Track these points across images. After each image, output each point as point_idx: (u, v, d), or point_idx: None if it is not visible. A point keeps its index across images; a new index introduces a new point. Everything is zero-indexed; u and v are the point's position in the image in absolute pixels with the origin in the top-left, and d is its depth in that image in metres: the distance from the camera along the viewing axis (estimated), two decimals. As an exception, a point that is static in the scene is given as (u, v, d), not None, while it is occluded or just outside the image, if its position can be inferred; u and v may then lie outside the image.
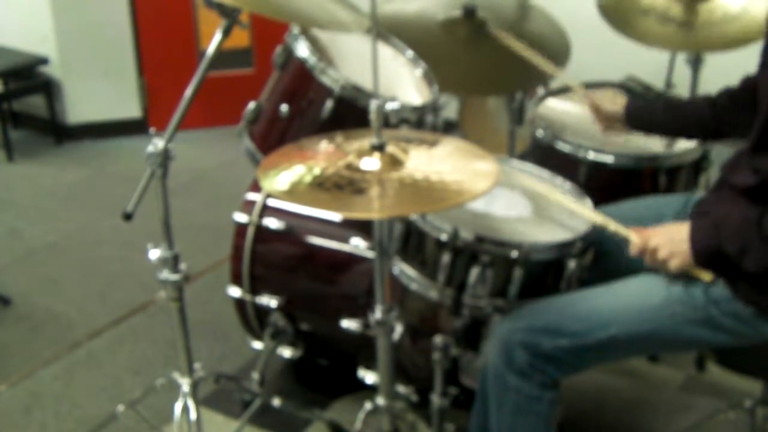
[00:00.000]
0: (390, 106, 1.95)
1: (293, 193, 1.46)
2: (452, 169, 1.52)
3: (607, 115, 2.14)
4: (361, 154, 1.51)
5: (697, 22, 2.48)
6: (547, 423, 1.70)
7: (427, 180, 1.46)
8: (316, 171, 1.49)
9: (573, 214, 1.86)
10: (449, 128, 3.33)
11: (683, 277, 1.61)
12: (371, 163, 1.49)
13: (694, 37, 2.49)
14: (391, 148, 1.52)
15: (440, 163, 1.54)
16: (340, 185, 1.44)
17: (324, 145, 1.61)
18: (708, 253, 1.57)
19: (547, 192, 1.85)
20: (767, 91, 1.61)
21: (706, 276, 1.59)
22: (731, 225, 1.55)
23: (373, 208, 1.42)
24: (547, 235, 1.79)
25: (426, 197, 1.44)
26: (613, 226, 1.72)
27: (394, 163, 1.50)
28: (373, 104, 1.49)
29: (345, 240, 2.16)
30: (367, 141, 1.52)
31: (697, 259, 1.58)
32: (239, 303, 2.35)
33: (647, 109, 2.11)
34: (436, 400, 1.88)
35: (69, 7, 4.14)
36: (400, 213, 1.49)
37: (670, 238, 1.61)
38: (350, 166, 1.49)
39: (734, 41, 2.42)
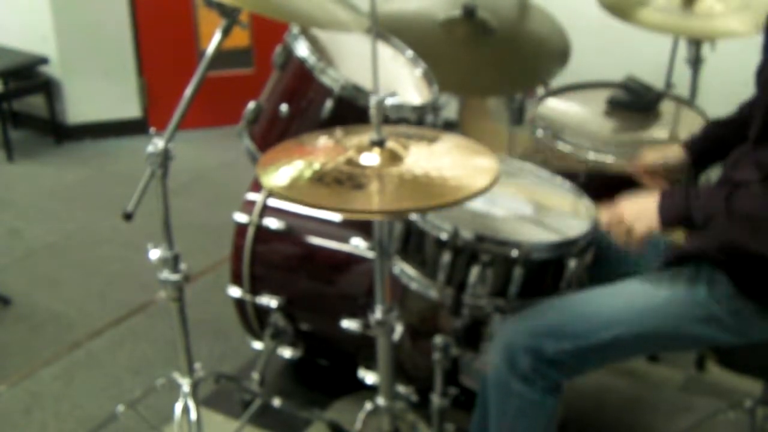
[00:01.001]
0: (390, 100, 1.94)
1: (292, 188, 1.45)
2: (452, 165, 1.52)
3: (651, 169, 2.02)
4: (360, 149, 1.51)
5: (697, 12, 2.49)
6: (548, 428, 1.70)
7: (426, 176, 1.46)
8: (316, 166, 1.49)
9: (574, 214, 1.86)
10: (449, 128, 3.32)
11: (647, 243, 1.62)
12: (371, 159, 1.49)
13: (695, 24, 2.48)
14: (390, 144, 1.52)
15: (440, 159, 1.54)
16: (340, 180, 1.44)
17: (323, 141, 1.61)
18: (675, 219, 1.58)
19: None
20: (766, 84, 1.62)
21: (678, 235, 1.60)
22: (701, 196, 1.57)
23: (373, 204, 1.42)
24: (547, 234, 1.79)
25: (425, 193, 1.43)
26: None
27: (394, 158, 1.50)
28: (373, 100, 1.49)
29: (345, 240, 2.16)
30: (366, 137, 1.52)
31: (662, 223, 1.59)
32: (239, 303, 2.35)
33: (706, 138, 1.97)
34: (436, 400, 1.88)
35: (69, 7, 4.14)
36: (399, 208, 1.49)
37: (636, 202, 1.63)
38: (350, 162, 1.49)
39: (736, 32, 2.43)
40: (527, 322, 1.68)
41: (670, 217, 1.58)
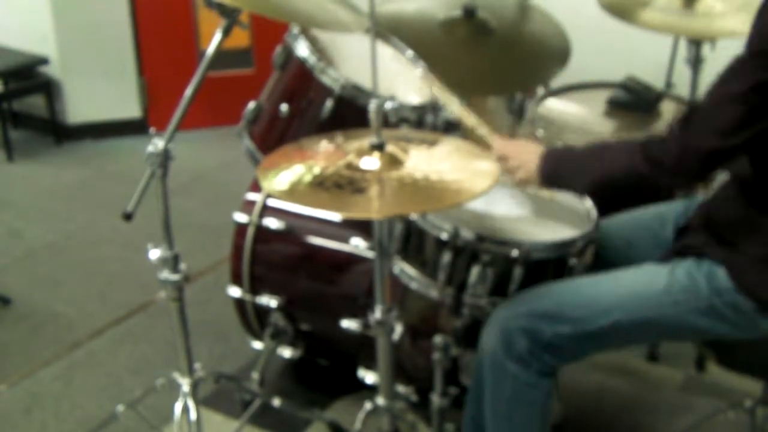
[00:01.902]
0: (388, 105, 1.95)
1: (293, 192, 1.46)
2: (452, 169, 1.52)
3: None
4: (360, 153, 1.51)
5: (697, 11, 2.48)
6: (543, 412, 1.70)
7: (426, 179, 1.46)
8: (316, 170, 1.49)
9: (575, 213, 1.86)
10: (449, 128, 3.33)
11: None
12: (371, 163, 1.49)
13: (696, 24, 2.48)
14: (390, 148, 1.52)
15: (440, 162, 1.54)
16: (340, 185, 1.44)
17: (324, 145, 1.61)
18: (550, 176, 1.68)
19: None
20: None
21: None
22: (579, 153, 1.67)
23: (373, 208, 1.42)
24: (547, 234, 1.79)
25: (426, 197, 1.44)
26: (480, 129, 1.81)
27: (394, 162, 1.50)
28: (373, 104, 1.49)
29: (345, 240, 2.16)
30: (366, 140, 1.52)
31: (540, 178, 1.69)
32: (239, 303, 2.35)
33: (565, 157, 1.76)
34: (436, 400, 1.88)
35: (69, 7, 4.14)
36: (399, 212, 1.49)
37: (523, 150, 1.71)
38: (350, 166, 1.49)
39: (737, 31, 2.42)
40: (525, 305, 1.68)
41: (546, 174, 1.68)
